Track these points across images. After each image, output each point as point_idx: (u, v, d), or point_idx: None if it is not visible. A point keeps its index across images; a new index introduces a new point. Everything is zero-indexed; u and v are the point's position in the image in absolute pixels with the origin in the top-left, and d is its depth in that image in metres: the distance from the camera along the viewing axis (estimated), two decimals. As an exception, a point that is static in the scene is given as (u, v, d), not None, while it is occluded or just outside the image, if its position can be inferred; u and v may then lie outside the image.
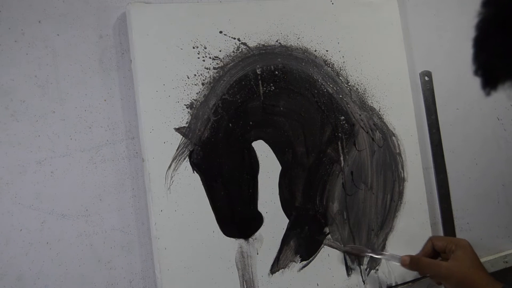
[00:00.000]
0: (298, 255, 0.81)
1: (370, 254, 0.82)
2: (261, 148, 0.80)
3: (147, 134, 0.72)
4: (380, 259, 0.84)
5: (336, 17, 0.88)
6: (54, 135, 0.70)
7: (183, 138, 0.74)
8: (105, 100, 0.74)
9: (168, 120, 0.74)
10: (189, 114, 0.75)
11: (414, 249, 0.79)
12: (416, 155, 0.93)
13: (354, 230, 0.86)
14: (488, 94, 0.53)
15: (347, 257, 0.85)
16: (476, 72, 0.52)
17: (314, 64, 0.85)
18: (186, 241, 0.73)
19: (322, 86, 0.86)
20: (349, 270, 0.85)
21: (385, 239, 0.88)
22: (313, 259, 0.82)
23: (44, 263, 0.68)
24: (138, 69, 0.73)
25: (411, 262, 0.70)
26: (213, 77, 0.77)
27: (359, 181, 0.87)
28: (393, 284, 0.88)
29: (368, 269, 0.86)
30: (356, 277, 0.85)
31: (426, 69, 0.99)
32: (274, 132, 0.81)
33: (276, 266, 0.79)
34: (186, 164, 0.74)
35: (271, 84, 0.81)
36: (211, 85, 0.77)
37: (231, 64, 0.79)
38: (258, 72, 0.81)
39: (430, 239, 0.73)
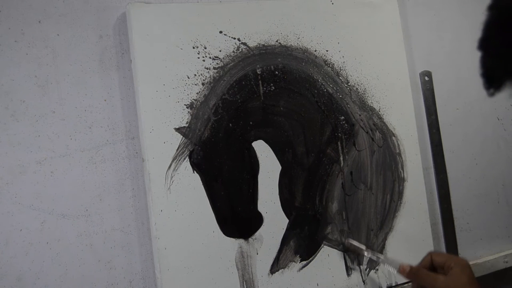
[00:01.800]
0: (298, 255, 0.81)
1: (369, 256, 0.82)
2: (261, 148, 0.80)
3: (147, 134, 0.72)
4: (379, 259, 0.85)
5: (336, 17, 0.88)
6: (54, 135, 0.70)
7: (183, 138, 0.74)
8: (105, 100, 0.74)
9: (168, 120, 0.74)
10: (189, 114, 0.75)
11: (414, 249, 0.79)
12: (416, 155, 0.93)
13: (354, 230, 0.86)
14: (491, 95, 0.53)
15: (347, 257, 0.85)
16: (482, 74, 0.53)
17: (314, 64, 0.85)
18: (186, 241, 0.73)
19: (322, 86, 0.86)
20: (349, 270, 0.85)
21: (384, 239, 0.88)
22: (313, 259, 0.82)
23: (44, 263, 0.68)
24: (138, 69, 0.73)
25: (410, 271, 0.71)
26: (213, 77, 0.77)
27: (359, 181, 0.87)
28: (393, 284, 0.88)
29: (368, 269, 0.87)
30: (356, 277, 0.85)
31: (426, 69, 0.99)
32: (274, 132, 0.81)
33: (276, 266, 0.79)
34: (186, 164, 0.74)
35: (271, 84, 0.81)
36: (211, 85, 0.77)
37: (231, 64, 0.79)
38: (258, 72, 0.81)
39: (430, 254, 0.74)
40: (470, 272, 0.68)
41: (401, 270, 0.72)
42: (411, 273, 0.71)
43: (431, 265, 0.73)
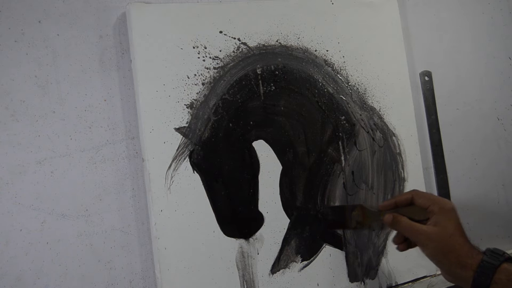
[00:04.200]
0: (299, 255, 0.81)
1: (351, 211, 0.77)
2: (261, 148, 0.80)
3: (147, 134, 0.72)
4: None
5: (336, 17, 0.88)
6: (54, 135, 0.70)
7: (183, 138, 0.74)
8: (105, 100, 0.74)
9: (168, 120, 0.74)
10: (189, 114, 0.75)
11: (414, 249, 0.78)
12: (416, 155, 0.93)
13: (355, 230, 0.86)
14: None
15: (348, 257, 0.85)
16: None
17: (314, 64, 0.85)
18: (186, 241, 0.73)
19: (322, 86, 0.86)
20: (349, 270, 0.85)
21: (385, 239, 0.88)
22: (314, 259, 0.82)
23: (44, 263, 0.68)
24: (138, 69, 0.73)
25: (392, 221, 0.67)
26: (213, 77, 0.77)
27: (360, 181, 0.87)
28: (393, 284, 0.88)
29: (368, 269, 0.86)
30: (356, 277, 0.85)
31: (426, 69, 0.99)
32: (274, 131, 0.81)
33: (276, 266, 0.79)
34: (186, 164, 0.74)
35: (272, 84, 0.81)
36: (211, 85, 0.77)
37: (231, 64, 0.79)
38: (258, 72, 0.81)
39: (411, 193, 0.68)
40: (456, 219, 0.64)
41: (384, 219, 0.68)
42: (394, 222, 0.68)
43: (410, 203, 0.68)
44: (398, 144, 0.92)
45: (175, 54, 0.75)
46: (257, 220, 0.79)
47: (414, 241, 0.66)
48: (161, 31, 0.75)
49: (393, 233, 0.88)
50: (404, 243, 0.69)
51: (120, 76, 0.75)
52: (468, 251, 0.61)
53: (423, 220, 0.66)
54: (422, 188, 0.92)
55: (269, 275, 0.78)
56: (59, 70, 0.72)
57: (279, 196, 0.80)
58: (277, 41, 0.83)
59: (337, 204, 0.84)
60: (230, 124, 0.78)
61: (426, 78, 0.99)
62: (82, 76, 0.73)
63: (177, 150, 0.74)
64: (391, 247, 0.88)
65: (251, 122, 0.79)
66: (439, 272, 0.92)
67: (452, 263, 0.62)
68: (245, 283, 0.76)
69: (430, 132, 0.98)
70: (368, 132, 0.89)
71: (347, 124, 0.87)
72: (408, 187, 0.91)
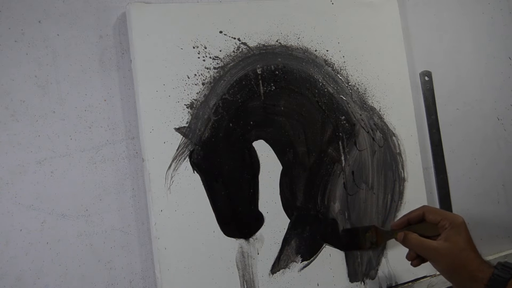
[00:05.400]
0: (299, 255, 0.81)
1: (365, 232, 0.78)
2: (261, 147, 0.80)
3: (147, 134, 0.72)
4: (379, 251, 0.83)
5: (336, 17, 0.88)
6: (54, 135, 0.70)
7: (183, 138, 0.74)
8: (105, 100, 0.74)
9: (168, 120, 0.74)
10: (189, 114, 0.75)
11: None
12: (416, 155, 0.93)
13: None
14: None
15: (348, 257, 0.85)
16: None
17: (314, 64, 0.85)
18: (186, 241, 0.73)
19: (322, 86, 0.86)
20: (349, 270, 0.85)
21: (385, 239, 0.88)
22: (314, 259, 0.82)
23: (44, 263, 0.68)
24: (138, 69, 0.73)
25: (404, 238, 0.68)
26: (214, 77, 0.77)
27: (360, 181, 0.87)
28: (393, 284, 0.88)
29: (368, 269, 0.86)
30: (356, 277, 0.85)
31: (426, 69, 1.00)
32: (274, 131, 0.81)
33: (276, 266, 0.79)
34: (186, 164, 0.74)
35: (272, 84, 0.81)
36: (212, 85, 0.77)
37: (231, 64, 0.79)
38: (258, 72, 0.81)
39: (423, 209, 0.69)
40: (466, 233, 0.64)
41: (398, 238, 0.69)
42: (404, 240, 0.68)
43: (421, 219, 0.69)
44: (398, 144, 0.92)
45: (175, 54, 0.75)
46: (257, 220, 0.79)
47: (425, 257, 0.67)
48: (161, 31, 0.75)
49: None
50: (418, 259, 0.70)
51: (120, 76, 0.75)
52: (479, 265, 0.62)
53: (435, 236, 0.66)
54: (422, 188, 0.93)
55: (269, 275, 0.78)
56: (59, 70, 0.72)
57: (279, 196, 0.80)
58: (277, 41, 0.83)
59: (337, 204, 0.84)
60: (230, 124, 0.78)
61: (426, 78, 0.99)
62: (82, 76, 0.73)
63: (177, 150, 0.74)
64: (391, 247, 0.88)
65: (251, 122, 0.79)
66: (439, 273, 0.92)
67: (464, 277, 0.62)
68: (245, 283, 0.76)
69: (430, 132, 0.98)
70: (368, 132, 0.89)
71: (347, 124, 0.87)
72: (408, 187, 0.91)
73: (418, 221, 0.70)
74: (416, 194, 0.92)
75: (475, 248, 0.64)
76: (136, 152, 0.75)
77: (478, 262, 0.62)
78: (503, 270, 0.60)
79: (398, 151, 0.91)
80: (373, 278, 0.87)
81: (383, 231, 0.74)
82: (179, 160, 0.74)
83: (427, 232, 0.68)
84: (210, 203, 0.75)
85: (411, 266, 0.70)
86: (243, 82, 0.79)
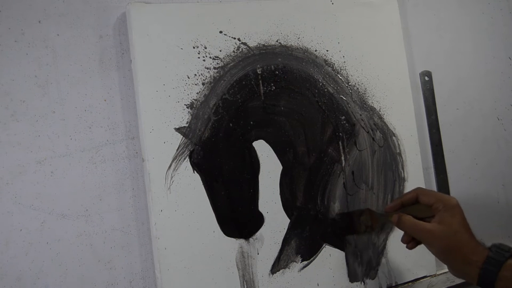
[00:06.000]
0: (299, 255, 0.81)
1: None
2: (261, 147, 0.80)
3: (147, 134, 0.72)
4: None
5: (336, 17, 0.88)
6: (54, 135, 0.70)
7: (183, 138, 0.74)
8: (105, 100, 0.74)
9: (168, 120, 0.74)
10: (190, 114, 0.75)
11: (415, 249, 0.78)
12: (416, 155, 0.93)
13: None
14: None
15: (348, 257, 0.85)
16: None
17: (314, 64, 0.85)
18: (186, 241, 0.73)
19: (322, 86, 0.86)
20: (349, 270, 0.85)
21: (385, 239, 0.88)
22: (314, 259, 0.82)
23: (44, 263, 0.68)
24: (138, 69, 0.73)
25: (398, 221, 0.68)
26: (214, 77, 0.77)
27: (360, 181, 0.87)
28: (393, 284, 0.88)
29: (368, 269, 0.86)
30: (356, 277, 0.85)
31: (426, 69, 1.00)
32: (275, 131, 0.81)
33: (276, 266, 0.79)
34: (186, 164, 0.74)
35: (272, 84, 0.81)
36: (212, 85, 0.77)
37: (231, 64, 0.79)
38: (258, 72, 0.81)
39: (416, 192, 0.68)
40: (461, 215, 0.63)
41: (393, 220, 0.68)
42: (398, 222, 0.67)
43: (415, 201, 0.69)
44: (398, 144, 0.92)
45: (175, 54, 0.75)
46: (257, 220, 0.79)
47: (419, 239, 0.66)
48: (161, 31, 0.74)
49: (394, 232, 0.89)
50: (413, 242, 0.69)
51: (120, 76, 0.75)
52: (473, 247, 0.61)
53: (428, 217, 0.66)
54: (422, 188, 0.93)
55: (269, 275, 0.78)
56: (59, 70, 0.72)
57: (279, 196, 0.80)
58: (277, 41, 0.83)
59: (337, 204, 0.84)
60: (230, 124, 0.78)
61: (426, 78, 0.99)
62: (82, 76, 0.73)
63: (177, 150, 0.74)
64: (391, 247, 0.88)
65: (251, 122, 0.79)
66: (439, 272, 0.92)
67: (458, 260, 0.61)
68: (245, 283, 0.76)
69: (430, 132, 0.98)
70: (368, 132, 0.89)
71: (347, 124, 0.87)
72: (408, 187, 0.91)
73: (412, 203, 0.69)
74: (416, 194, 0.92)
75: (470, 230, 0.63)
76: (136, 152, 0.75)
77: (472, 245, 0.61)
78: (497, 253, 0.60)
79: (398, 151, 0.91)
80: (373, 278, 0.87)
81: (377, 214, 0.74)
82: (179, 160, 0.74)
83: (421, 214, 0.67)
84: (210, 203, 0.75)
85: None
86: (243, 82, 0.79)
